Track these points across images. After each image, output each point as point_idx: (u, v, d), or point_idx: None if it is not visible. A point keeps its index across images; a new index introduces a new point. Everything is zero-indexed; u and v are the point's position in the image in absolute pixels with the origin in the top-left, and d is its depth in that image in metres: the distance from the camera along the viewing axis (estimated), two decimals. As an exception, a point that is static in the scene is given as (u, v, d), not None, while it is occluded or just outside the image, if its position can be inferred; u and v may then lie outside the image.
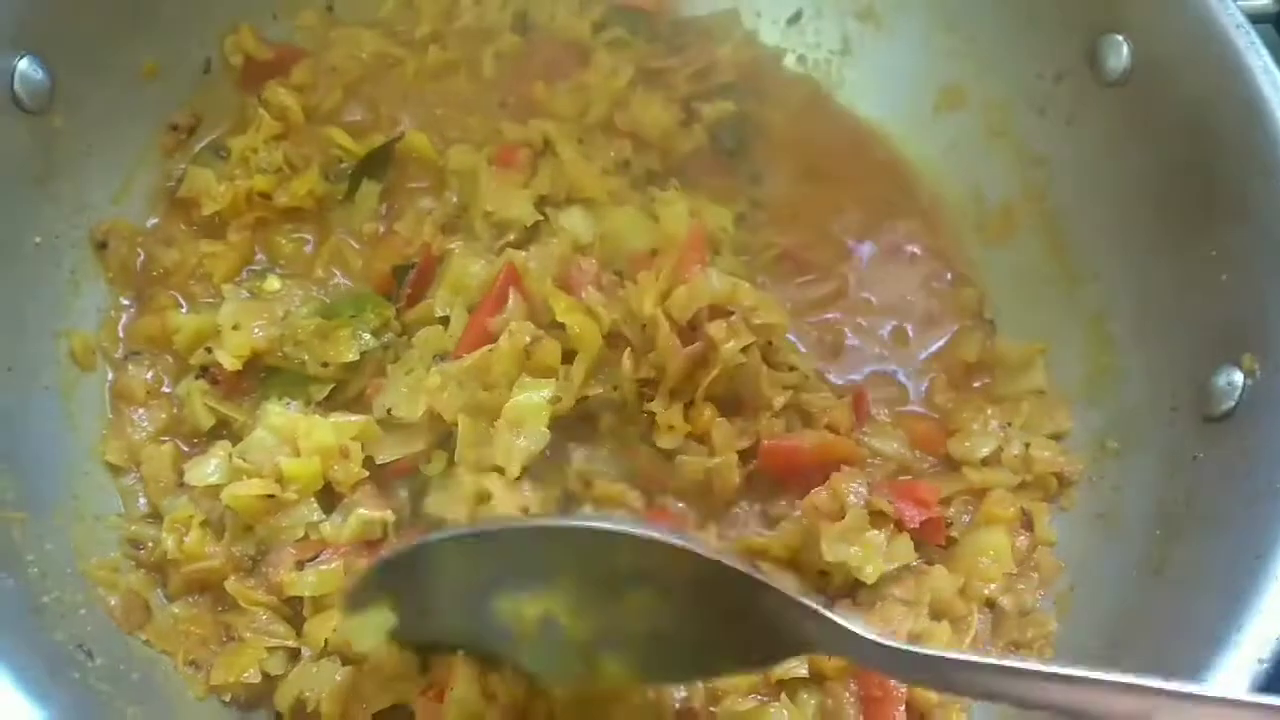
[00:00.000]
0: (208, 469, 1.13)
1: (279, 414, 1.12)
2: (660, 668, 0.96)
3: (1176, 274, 1.19)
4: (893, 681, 1.09)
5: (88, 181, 1.20)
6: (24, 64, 1.08)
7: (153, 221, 1.28)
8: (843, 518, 1.14)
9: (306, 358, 1.16)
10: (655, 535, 0.88)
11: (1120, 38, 1.23)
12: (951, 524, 1.22)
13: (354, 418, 1.14)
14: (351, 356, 1.16)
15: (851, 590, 1.16)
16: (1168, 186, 1.20)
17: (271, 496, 1.10)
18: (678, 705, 1.11)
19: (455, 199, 1.29)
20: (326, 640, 1.05)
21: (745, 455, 1.17)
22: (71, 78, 1.14)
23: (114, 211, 1.24)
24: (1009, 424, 1.27)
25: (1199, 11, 1.14)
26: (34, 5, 1.10)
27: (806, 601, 0.88)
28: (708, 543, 1.15)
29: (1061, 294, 1.32)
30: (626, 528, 0.92)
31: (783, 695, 1.11)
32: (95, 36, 1.16)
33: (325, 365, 1.16)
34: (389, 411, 1.14)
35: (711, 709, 1.11)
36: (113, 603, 1.06)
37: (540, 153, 1.31)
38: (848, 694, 1.11)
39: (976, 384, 1.32)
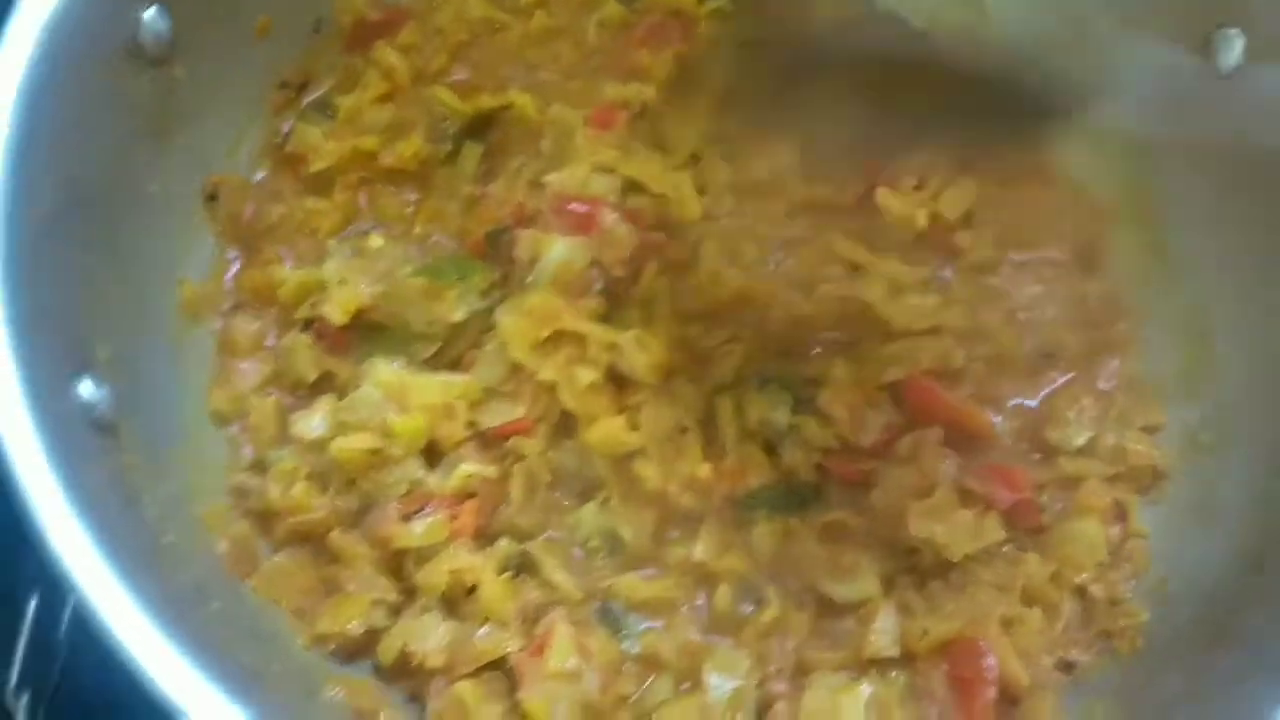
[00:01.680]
0: (313, 422, 1.14)
1: (388, 370, 1.13)
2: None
3: (1276, 268, 1.18)
4: (985, 663, 1.10)
5: (203, 134, 1.21)
6: (150, 13, 1.09)
7: (260, 176, 1.29)
8: (931, 495, 1.15)
9: (413, 316, 1.17)
10: None
11: (1234, 31, 1.22)
12: (1044, 509, 1.21)
13: (459, 377, 1.15)
14: (459, 317, 1.17)
15: (942, 571, 1.17)
16: (1274, 176, 1.19)
17: (377, 451, 1.11)
18: (761, 679, 1.12)
19: (548, 150, 1.29)
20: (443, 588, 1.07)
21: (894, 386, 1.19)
22: (192, 30, 1.14)
23: (226, 165, 1.25)
24: (1103, 414, 1.26)
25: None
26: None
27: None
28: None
29: (1159, 285, 1.31)
30: None
31: (872, 672, 1.12)
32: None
33: (432, 324, 1.16)
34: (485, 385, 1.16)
35: (801, 681, 1.12)
36: (222, 548, 1.08)
37: (638, 115, 1.31)
38: (937, 674, 1.12)
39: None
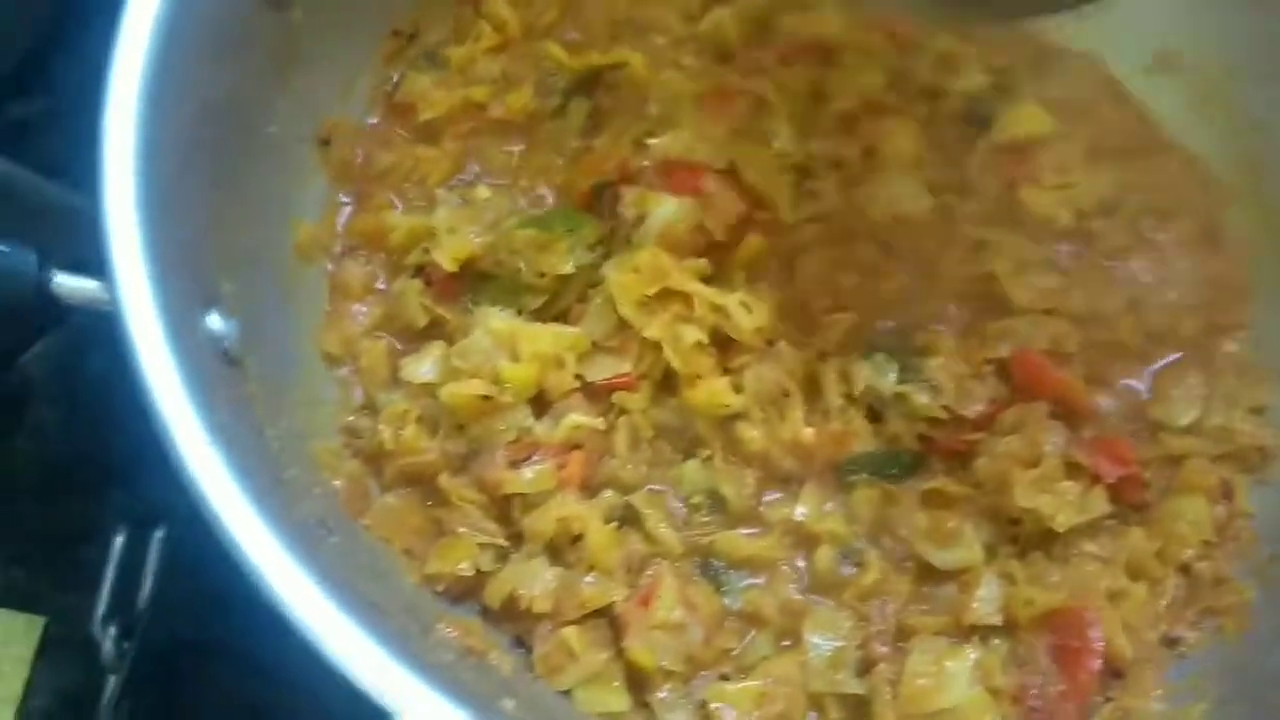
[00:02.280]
0: (424, 366, 1.15)
1: (499, 318, 1.14)
2: None
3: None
4: (1092, 634, 1.09)
5: (318, 78, 1.22)
6: (271, -40, 1.10)
7: (372, 123, 1.29)
8: (1037, 466, 1.14)
9: (523, 266, 1.17)
10: None
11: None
12: (1149, 485, 1.20)
13: (568, 329, 1.15)
14: (568, 269, 1.17)
15: (1044, 542, 1.16)
16: None
17: (488, 398, 1.11)
18: (862, 640, 1.12)
19: (655, 114, 1.28)
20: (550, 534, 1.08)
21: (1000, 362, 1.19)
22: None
23: (339, 110, 1.25)
24: (1210, 394, 1.24)
25: None
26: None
27: None
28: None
29: (1272, 266, 1.28)
30: None
31: (974, 638, 1.11)
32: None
33: (542, 276, 1.17)
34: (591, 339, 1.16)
35: (901, 645, 1.12)
36: (337, 485, 1.09)
37: (758, 110, 1.29)
38: (1041, 643, 1.11)
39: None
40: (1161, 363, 1.27)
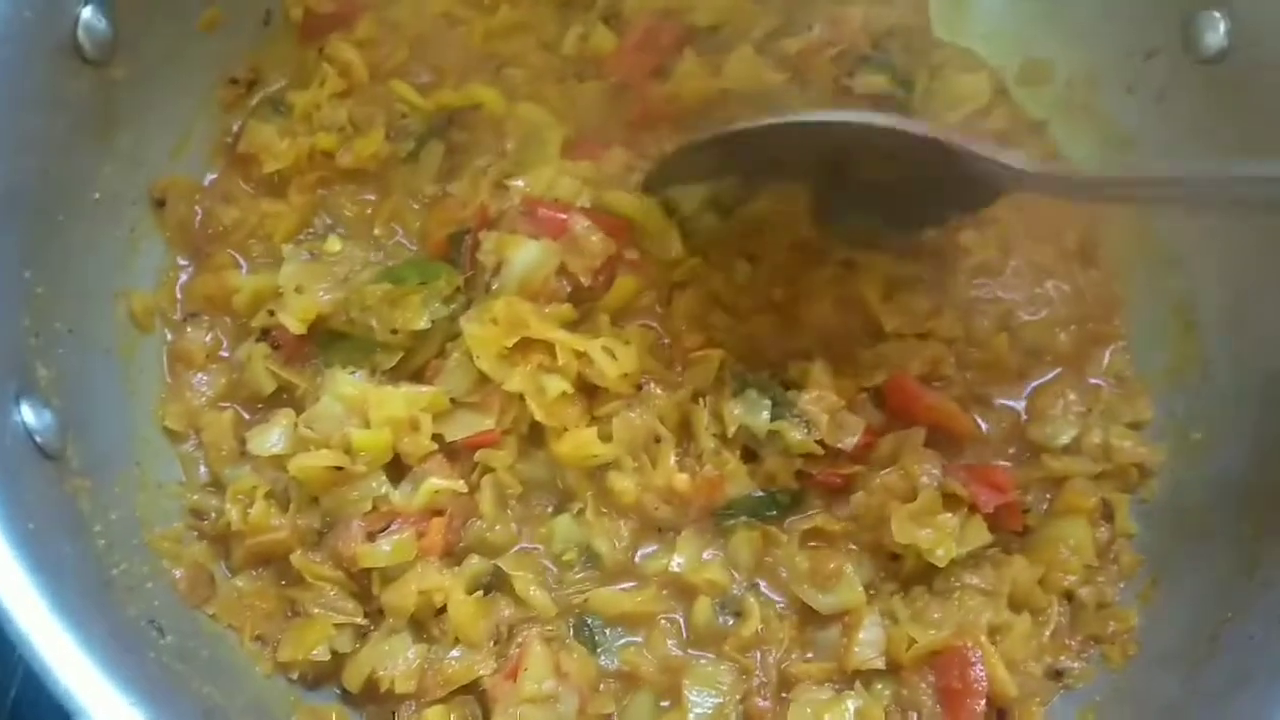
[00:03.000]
0: (271, 438, 1.09)
1: (348, 383, 1.09)
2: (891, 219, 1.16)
3: (1267, 261, 1.15)
4: (973, 674, 1.07)
5: (147, 136, 1.15)
6: (87, 12, 1.03)
7: (211, 178, 1.23)
8: (914, 499, 1.11)
9: (375, 324, 1.12)
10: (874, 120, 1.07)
11: (1218, 14, 1.17)
12: (1029, 510, 1.18)
13: (423, 389, 1.10)
14: (423, 325, 1.12)
15: (926, 576, 1.14)
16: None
17: (339, 468, 1.06)
18: (744, 695, 1.09)
19: (512, 149, 1.24)
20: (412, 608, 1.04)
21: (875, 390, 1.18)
22: (132, 27, 1.08)
23: (172, 167, 1.19)
24: (1089, 410, 1.23)
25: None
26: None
27: (991, 155, 1.02)
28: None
29: (1146, 278, 1.27)
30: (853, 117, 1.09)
31: (857, 684, 1.09)
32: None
33: (395, 332, 1.12)
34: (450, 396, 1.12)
35: (785, 695, 1.09)
36: (177, 575, 1.03)
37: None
38: (925, 685, 1.09)
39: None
40: (1039, 380, 1.25)
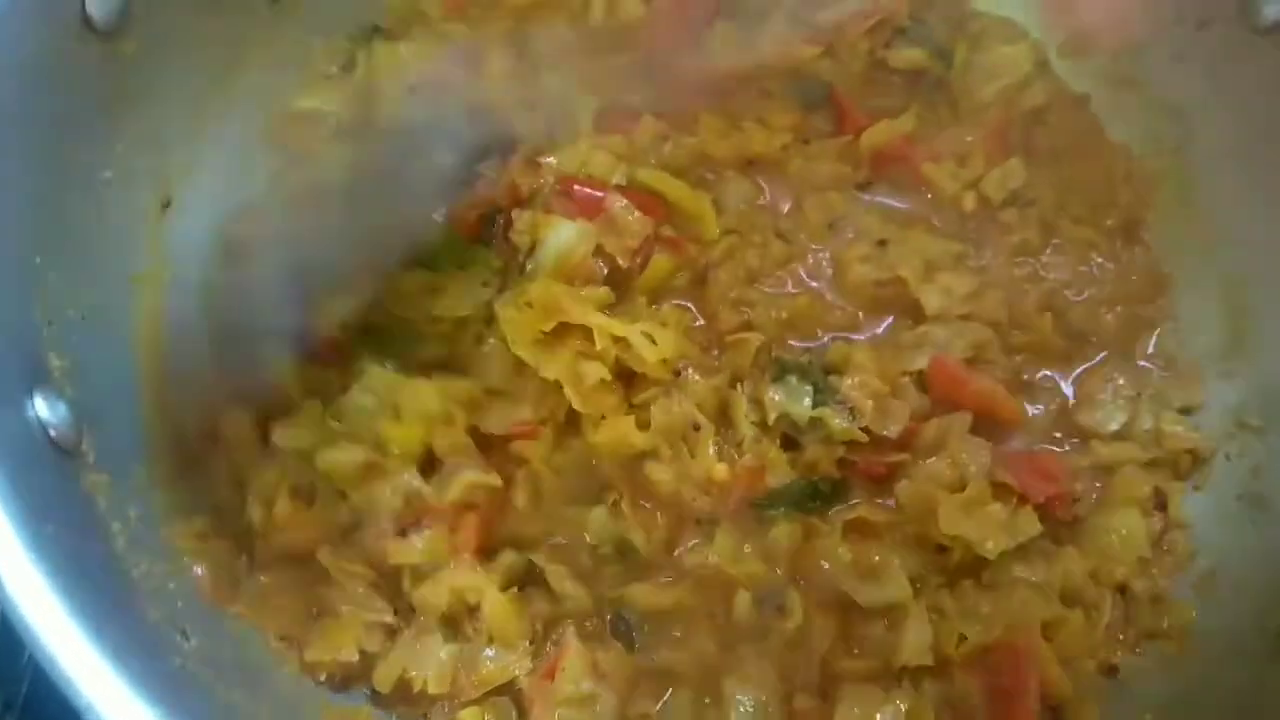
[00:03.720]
0: (297, 431, 1.04)
1: (378, 374, 1.04)
2: None
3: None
4: (1026, 672, 1.03)
5: (159, 113, 1.09)
6: (99, -18, 0.97)
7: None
8: (962, 488, 1.07)
9: (414, 314, 1.07)
10: None
11: (1277, -19, 1.12)
12: (1079, 499, 1.14)
13: (458, 380, 1.06)
14: (465, 311, 1.07)
15: (974, 569, 1.09)
16: None
17: (370, 464, 1.01)
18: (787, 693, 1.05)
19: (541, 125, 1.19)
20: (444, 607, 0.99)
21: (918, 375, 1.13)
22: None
23: (183, 155, 1.13)
24: (1138, 395, 1.18)
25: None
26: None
27: None
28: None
29: (1195, 258, 1.23)
30: None
31: (904, 683, 1.05)
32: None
33: (437, 321, 1.07)
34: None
35: (829, 693, 1.05)
36: (199, 573, 0.98)
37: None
38: (975, 684, 1.05)
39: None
40: (1086, 364, 1.20)
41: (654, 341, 1.08)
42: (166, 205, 1.12)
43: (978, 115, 1.26)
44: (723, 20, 1.24)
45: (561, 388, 1.06)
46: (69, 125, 0.99)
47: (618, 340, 1.08)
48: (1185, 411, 1.19)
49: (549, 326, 1.06)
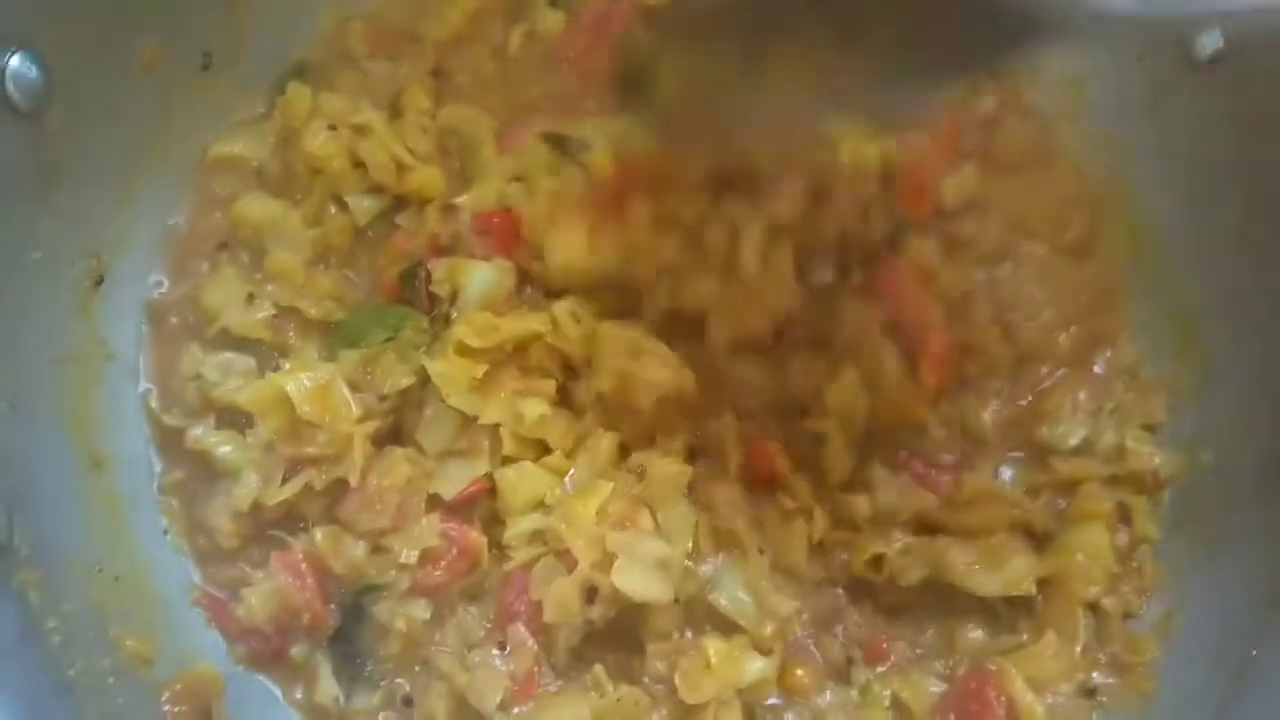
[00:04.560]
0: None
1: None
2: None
3: (1273, 273, 1.09)
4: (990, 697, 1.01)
5: (88, 188, 1.07)
6: (15, 60, 0.95)
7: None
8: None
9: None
10: None
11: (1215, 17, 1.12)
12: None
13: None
14: (409, 380, 1.05)
15: None
16: (1263, 177, 1.09)
17: None
18: None
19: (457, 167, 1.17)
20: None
21: None
22: (66, 73, 1.00)
23: (116, 222, 1.11)
24: (1099, 409, 1.17)
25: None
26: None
27: None
28: None
29: (1144, 293, 1.21)
30: None
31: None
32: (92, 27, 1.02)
33: (384, 399, 1.05)
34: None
35: None
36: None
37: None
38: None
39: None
40: (1045, 384, 1.18)
41: (578, 321, 1.07)
42: (99, 282, 1.09)
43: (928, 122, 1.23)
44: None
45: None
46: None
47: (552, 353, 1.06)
48: (1148, 428, 1.17)
49: (481, 372, 1.04)
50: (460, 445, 1.06)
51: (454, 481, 1.04)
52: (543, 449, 1.06)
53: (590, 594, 0.99)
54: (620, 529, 1.00)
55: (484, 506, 1.06)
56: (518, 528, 1.02)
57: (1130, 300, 1.21)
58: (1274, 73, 1.05)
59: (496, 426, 1.04)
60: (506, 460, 1.05)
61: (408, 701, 1.02)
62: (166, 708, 0.96)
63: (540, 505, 1.04)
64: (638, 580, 0.99)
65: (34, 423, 0.99)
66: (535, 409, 1.04)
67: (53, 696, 0.83)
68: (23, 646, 0.83)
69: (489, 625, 1.02)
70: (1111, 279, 1.23)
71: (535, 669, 0.99)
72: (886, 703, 1.03)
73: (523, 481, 1.03)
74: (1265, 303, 1.10)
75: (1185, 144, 1.17)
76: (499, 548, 1.04)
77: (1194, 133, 1.15)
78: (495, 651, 1.00)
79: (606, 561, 0.99)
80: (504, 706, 0.98)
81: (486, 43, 1.23)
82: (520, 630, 1.00)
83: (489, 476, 1.05)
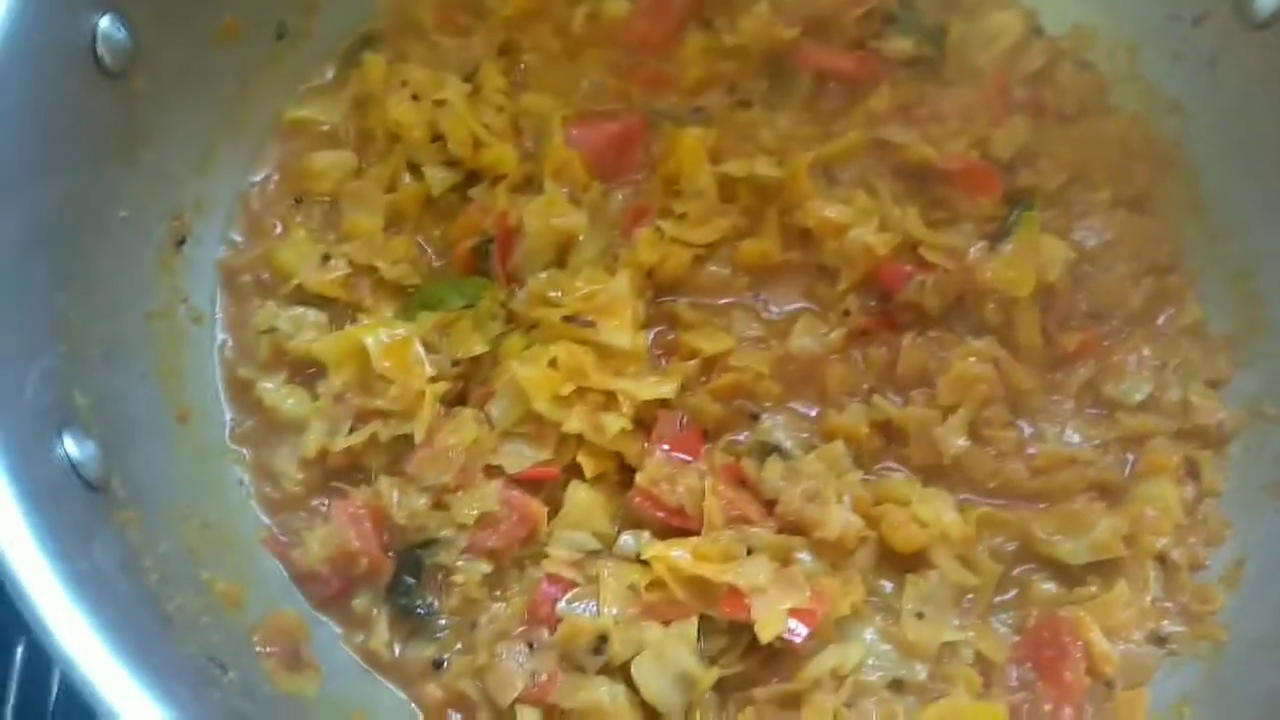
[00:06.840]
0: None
1: None
2: None
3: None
4: (1067, 641, 1.03)
5: (171, 150, 1.10)
6: (105, 22, 0.98)
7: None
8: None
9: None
10: None
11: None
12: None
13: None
14: (482, 348, 1.07)
15: None
16: None
17: None
18: None
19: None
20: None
21: None
22: (151, 37, 1.03)
23: (198, 183, 1.14)
24: (1164, 365, 1.17)
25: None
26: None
27: None
28: None
29: (1201, 251, 1.21)
30: None
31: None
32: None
33: (456, 364, 1.07)
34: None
35: None
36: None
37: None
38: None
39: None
40: (1111, 339, 1.18)
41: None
42: (181, 242, 1.12)
43: (976, 79, 1.23)
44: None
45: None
46: (84, 166, 0.99)
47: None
48: (1213, 384, 1.17)
49: (569, 390, 1.05)
50: (527, 429, 1.07)
51: (517, 459, 1.06)
52: (619, 462, 1.07)
53: (600, 644, 0.99)
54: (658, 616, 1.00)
55: (547, 490, 1.07)
56: (563, 546, 1.04)
57: (1190, 257, 1.22)
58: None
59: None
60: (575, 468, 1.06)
61: (438, 665, 1.03)
62: (259, 649, 0.98)
63: (595, 536, 1.04)
64: (654, 683, 0.97)
65: (127, 373, 1.02)
66: (616, 423, 1.05)
67: (154, 626, 0.85)
68: (125, 577, 0.85)
69: (524, 626, 1.02)
70: (1174, 235, 1.23)
71: (558, 673, 0.99)
72: (970, 660, 1.03)
73: (585, 512, 1.05)
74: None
75: (1243, 106, 1.17)
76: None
77: (1251, 92, 1.16)
78: (522, 648, 1.00)
79: (632, 640, 0.99)
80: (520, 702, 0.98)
81: (551, 20, 1.25)
82: (545, 635, 1.00)
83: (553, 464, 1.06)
